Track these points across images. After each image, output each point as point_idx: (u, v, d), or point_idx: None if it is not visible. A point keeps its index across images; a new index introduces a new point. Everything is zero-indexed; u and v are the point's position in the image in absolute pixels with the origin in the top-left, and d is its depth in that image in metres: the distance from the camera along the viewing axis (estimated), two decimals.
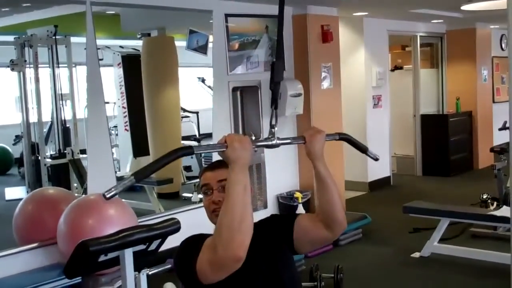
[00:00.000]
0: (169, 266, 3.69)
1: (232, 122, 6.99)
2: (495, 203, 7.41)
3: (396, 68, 11.52)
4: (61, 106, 7.35)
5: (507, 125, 8.21)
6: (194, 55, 7.62)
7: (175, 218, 3.51)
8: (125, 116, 8.67)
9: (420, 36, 11.08)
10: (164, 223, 3.42)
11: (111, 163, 6.04)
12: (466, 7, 8.81)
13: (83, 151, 6.79)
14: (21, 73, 7.37)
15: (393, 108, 10.53)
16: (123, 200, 5.48)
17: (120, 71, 8.63)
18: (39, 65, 7.19)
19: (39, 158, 7.30)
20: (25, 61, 7.26)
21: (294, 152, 7.69)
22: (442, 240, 6.36)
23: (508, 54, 2.79)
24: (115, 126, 8.89)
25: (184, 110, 9.66)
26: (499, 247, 6.00)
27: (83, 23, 5.78)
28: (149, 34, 8.59)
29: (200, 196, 7.63)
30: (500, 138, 10.68)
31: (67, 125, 7.41)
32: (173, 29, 8.63)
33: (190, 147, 2.11)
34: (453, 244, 6.43)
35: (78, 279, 4.76)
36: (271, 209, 7.27)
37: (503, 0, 3.02)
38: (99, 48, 6.02)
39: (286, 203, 7.26)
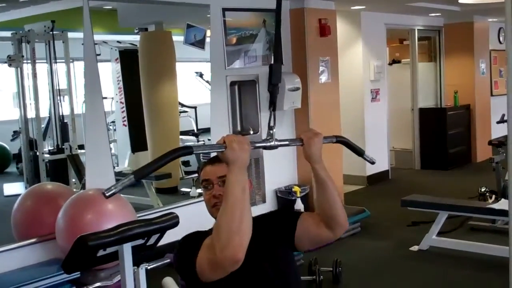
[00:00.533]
0: (168, 260, 3.70)
1: (230, 117, 6.98)
2: (493, 196, 7.41)
3: (394, 61, 11.51)
4: (59, 101, 7.35)
5: (505, 118, 8.21)
6: (192, 50, 7.60)
7: (173, 213, 3.51)
8: (123, 111, 8.66)
9: (418, 29, 11.07)
10: (162, 218, 3.42)
11: (109, 158, 6.04)
12: (463, 0, 8.80)
13: (81, 147, 6.79)
14: (19, 68, 7.36)
15: (391, 101, 10.53)
16: (122, 195, 5.48)
17: (118, 66, 8.63)
18: (37, 61, 7.19)
19: (37, 153, 7.30)
20: (23, 56, 7.25)
21: (292, 147, 7.69)
22: (440, 233, 6.36)
23: (506, 47, 2.78)
24: (113, 122, 8.88)
25: (182, 105, 9.66)
26: (498, 240, 6.00)
27: (80, 18, 5.78)
28: (146, 29, 8.58)
29: (199, 190, 7.68)
30: (498, 131, 10.69)
31: (65, 121, 7.41)
32: (170, 24, 8.63)
33: (190, 147, 2.11)
34: (452, 238, 6.44)
35: (76, 274, 4.77)
36: (270, 204, 7.28)
37: None
38: (96, 43, 6.01)
39: (285, 198, 7.26)
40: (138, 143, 8.56)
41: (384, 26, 10.11)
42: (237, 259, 2.06)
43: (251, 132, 7.11)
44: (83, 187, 6.02)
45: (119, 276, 3.36)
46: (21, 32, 7.25)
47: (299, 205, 6.77)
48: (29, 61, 7.17)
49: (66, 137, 7.35)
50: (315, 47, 7.70)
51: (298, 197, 6.89)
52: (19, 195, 5.63)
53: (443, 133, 10.98)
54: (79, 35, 5.95)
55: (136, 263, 3.30)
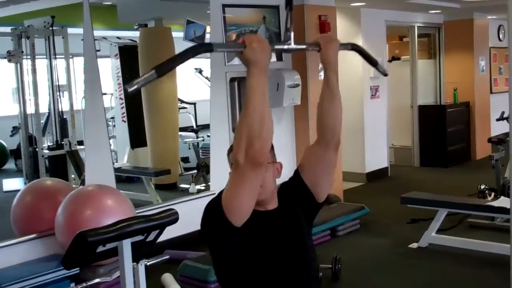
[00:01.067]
0: (167, 257, 3.70)
1: (230, 113, 6.97)
2: (492, 194, 7.40)
3: (393, 58, 11.50)
4: (58, 97, 7.36)
5: (505, 115, 8.22)
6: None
7: (173, 209, 3.51)
8: (122, 107, 8.67)
9: (417, 26, 11.06)
10: (162, 214, 3.42)
11: (108, 154, 6.03)
12: None
13: (80, 142, 6.79)
14: (18, 64, 7.37)
15: (390, 99, 10.53)
16: (121, 191, 5.49)
17: (117, 62, 8.63)
18: (36, 56, 7.20)
19: (37, 149, 7.30)
20: (22, 52, 7.26)
21: (292, 141, 7.70)
22: (439, 230, 6.36)
23: (508, 44, 2.78)
24: (113, 117, 8.89)
25: (182, 101, 9.66)
26: (497, 238, 6.00)
27: (80, 14, 5.77)
28: (146, 25, 8.58)
29: (198, 187, 7.69)
30: (497, 128, 10.68)
31: (65, 117, 7.42)
32: (170, 20, 8.63)
33: (210, 44, 2.06)
34: (451, 235, 6.43)
35: (76, 270, 4.77)
36: None
37: None
38: (96, 39, 6.01)
39: None
40: (137, 139, 8.57)
41: (384, 23, 10.11)
42: (259, 161, 2.05)
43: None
44: (83, 183, 6.02)
45: (118, 272, 3.37)
46: (20, 27, 7.25)
47: None
48: (29, 56, 7.18)
49: (65, 133, 7.36)
50: None
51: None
52: (18, 190, 5.63)
53: (442, 131, 10.97)
54: (79, 30, 5.95)
55: (136, 259, 3.30)
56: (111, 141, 7.33)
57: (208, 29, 7.11)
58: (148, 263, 3.39)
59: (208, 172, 7.45)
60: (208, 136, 7.44)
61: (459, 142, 11.34)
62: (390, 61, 11.18)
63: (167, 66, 1.98)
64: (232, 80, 6.99)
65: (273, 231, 2.37)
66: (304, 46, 2.47)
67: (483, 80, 12.00)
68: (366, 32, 9.66)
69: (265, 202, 2.40)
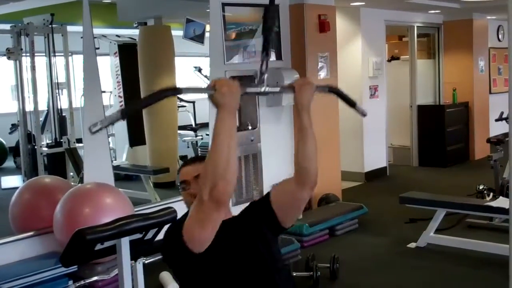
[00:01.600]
0: None
1: None
2: (491, 194, 7.41)
3: (393, 58, 11.50)
4: (57, 95, 7.36)
5: (504, 116, 8.22)
6: (191, 45, 7.61)
7: (171, 207, 3.52)
8: (121, 106, 8.66)
9: (417, 26, 11.06)
10: (160, 212, 3.43)
11: (107, 152, 6.02)
12: None
13: (79, 140, 6.79)
14: (17, 61, 7.36)
15: (389, 98, 10.52)
16: (120, 189, 5.48)
17: (117, 60, 8.63)
18: (35, 54, 7.19)
19: (35, 147, 7.30)
20: (21, 49, 7.25)
21: (290, 141, 7.69)
22: (438, 230, 6.36)
23: (508, 44, 2.78)
24: None
25: (181, 100, 9.65)
26: (495, 238, 6.01)
27: (80, 11, 5.76)
28: (145, 23, 8.58)
29: None
30: (496, 129, 10.67)
31: (63, 114, 7.41)
32: (169, 18, 8.62)
33: (178, 88, 2.10)
34: (449, 235, 6.44)
35: (74, 268, 4.77)
36: None
37: None
38: (95, 37, 6.00)
39: None
40: (136, 137, 8.57)
41: (383, 22, 10.10)
42: (223, 201, 2.09)
43: (249, 128, 7.10)
44: (81, 180, 6.02)
45: (116, 270, 3.37)
46: (20, 25, 7.25)
47: None
48: (28, 54, 7.17)
49: (64, 130, 7.36)
50: (314, 43, 7.69)
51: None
52: (17, 188, 5.62)
53: (441, 131, 10.97)
54: (78, 28, 5.95)
55: (134, 257, 3.31)
56: (110, 139, 7.33)
57: (207, 27, 7.10)
58: (146, 261, 3.40)
59: None
60: (207, 134, 7.45)
61: (458, 142, 11.34)
62: (389, 60, 11.17)
63: (132, 108, 2.06)
64: (231, 78, 6.98)
65: (231, 237, 2.39)
66: (278, 89, 2.47)
67: (482, 81, 12.01)
68: (365, 31, 9.66)
69: None
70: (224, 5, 6.85)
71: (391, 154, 10.98)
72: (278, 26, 7.43)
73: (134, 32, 8.66)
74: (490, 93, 12.48)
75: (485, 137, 9.52)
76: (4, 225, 5.44)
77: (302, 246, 6.07)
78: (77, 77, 7.30)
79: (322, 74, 7.85)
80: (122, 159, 8.71)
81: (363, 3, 9.25)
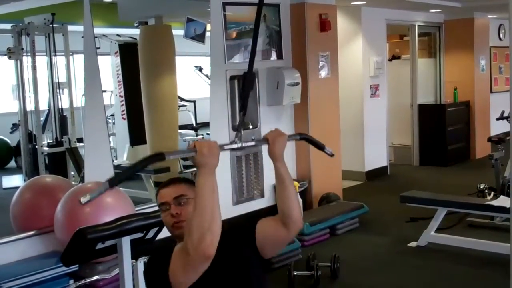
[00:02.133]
0: None
1: (229, 111, 6.97)
2: (492, 193, 7.40)
3: (393, 57, 11.49)
4: (58, 94, 7.36)
5: (505, 114, 8.22)
6: (191, 44, 7.60)
7: None
8: (122, 105, 8.66)
9: (418, 25, 11.05)
10: None
11: (108, 152, 6.03)
12: None
13: (80, 140, 6.79)
14: (18, 61, 7.37)
15: (390, 97, 10.52)
16: (120, 188, 5.48)
17: (117, 59, 8.62)
18: (36, 53, 7.19)
19: (36, 146, 7.30)
20: (22, 49, 7.26)
21: (291, 142, 7.69)
22: (439, 229, 6.36)
23: (509, 43, 2.78)
24: (112, 115, 8.89)
25: (181, 99, 9.66)
26: (496, 237, 6.01)
27: (81, 11, 5.76)
28: (146, 23, 8.57)
29: None
30: (497, 128, 10.68)
31: (64, 114, 7.41)
32: (170, 18, 8.62)
33: (161, 154, 2.20)
34: (450, 234, 6.44)
35: (75, 267, 4.77)
36: (268, 198, 7.27)
37: None
38: (96, 37, 6.00)
39: None
40: (137, 136, 8.56)
41: (384, 21, 10.10)
42: (209, 255, 2.16)
43: (250, 127, 7.10)
44: (82, 180, 6.02)
45: (117, 269, 3.37)
46: (21, 24, 7.25)
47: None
48: (29, 53, 7.18)
49: (65, 130, 7.36)
50: (315, 42, 7.69)
51: (297, 192, 6.89)
52: (18, 187, 5.62)
53: (442, 130, 10.97)
54: (79, 28, 5.95)
55: (135, 256, 3.31)
56: (110, 138, 7.33)
57: (208, 27, 7.10)
58: (147, 261, 3.40)
59: None
60: (208, 134, 7.43)
61: (459, 141, 11.33)
62: (390, 60, 11.17)
63: (120, 177, 2.15)
64: (232, 78, 6.99)
65: (217, 262, 2.36)
66: (253, 143, 2.56)
67: (483, 80, 12.00)
68: (366, 30, 9.66)
69: None
70: (225, 4, 6.85)
71: (391, 153, 10.98)
72: (279, 25, 7.43)
73: (135, 32, 8.66)
74: (491, 92, 12.48)
75: (486, 136, 9.53)
76: (5, 225, 5.44)
77: (303, 245, 6.08)
78: (78, 77, 7.30)
79: (323, 73, 7.85)
80: (123, 158, 8.71)
81: (364, 2, 9.24)
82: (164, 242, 2.54)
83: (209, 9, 6.79)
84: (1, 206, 6.33)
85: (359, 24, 9.63)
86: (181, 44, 8.02)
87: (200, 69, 9.98)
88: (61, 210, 4.91)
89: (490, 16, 12.10)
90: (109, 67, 8.68)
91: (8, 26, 7.41)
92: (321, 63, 7.80)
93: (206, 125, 7.85)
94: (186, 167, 8.86)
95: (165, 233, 3.46)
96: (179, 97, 9.15)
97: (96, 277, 4.61)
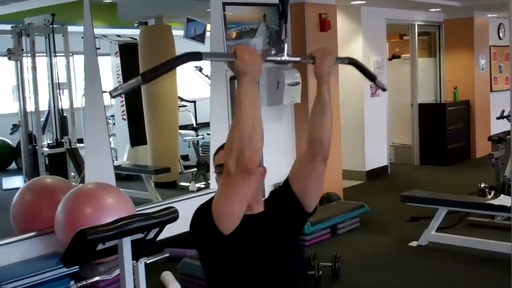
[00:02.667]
0: (167, 255, 3.70)
1: (230, 111, 6.97)
2: (492, 192, 7.41)
3: (393, 57, 11.49)
4: (58, 95, 7.35)
5: (505, 114, 8.22)
6: (192, 44, 7.59)
7: (173, 207, 3.51)
8: (122, 106, 8.67)
9: (418, 25, 11.06)
10: (162, 212, 3.43)
11: (108, 152, 6.02)
12: None
13: (80, 140, 6.78)
14: (18, 62, 7.36)
15: (390, 97, 10.52)
16: (121, 189, 5.48)
17: (118, 60, 8.63)
18: (36, 54, 7.18)
19: (37, 147, 7.30)
20: (22, 50, 7.25)
21: (291, 140, 7.69)
22: (439, 229, 6.36)
23: (509, 42, 2.79)
24: (113, 116, 8.89)
25: (182, 99, 9.65)
26: (497, 236, 6.01)
27: (80, 11, 5.76)
28: (146, 23, 8.58)
29: (198, 185, 7.68)
30: (497, 127, 10.68)
31: (65, 114, 7.40)
32: (170, 18, 8.62)
33: (199, 53, 2.06)
34: (451, 233, 6.44)
35: (76, 268, 4.77)
36: None
37: None
38: (96, 37, 6.00)
39: None
40: (137, 137, 8.57)
41: (384, 21, 10.10)
42: (250, 168, 2.06)
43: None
44: (82, 181, 6.02)
45: (118, 270, 3.37)
46: (21, 25, 7.24)
47: None
48: (29, 54, 7.17)
49: (65, 131, 7.35)
50: (315, 42, 7.68)
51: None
52: (18, 188, 5.62)
53: (442, 129, 10.97)
54: (79, 28, 5.94)
55: (136, 257, 3.30)
56: (111, 139, 7.33)
57: (208, 27, 7.10)
58: (148, 261, 3.40)
59: (208, 170, 7.46)
60: (208, 134, 7.44)
61: (459, 140, 11.34)
62: (390, 59, 11.17)
63: (154, 73, 1.99)
64: (232, 78, 6.98)
65: (259, 234, 2.37)
66: (298, 59, 2.46)
67: (483, 79, 12.00)
68: (366, 30, 9.66)
69: (250, 206, 2.38)
70: (224, 4, 6.85)
71: (392, 153, 10.98)
72: (279, 25, 7.42)
73: (135, 32, 8.66)
74: (491, 91, 12.48)
75: (486, 135, 9.52)
76: (5, 226, 5.43)
77: (304, 245, 6.07)
78: (78, 77, 7.29)
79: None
80: (123, 159, 8.70)
81: (364, 2, 9.25)
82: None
83: (209, 9, 6.79)
84: (1, 207, 6.32)
85: (359, 24, 9.63)
86: (181, 44, 8.02)
87: (200, 69, 9.97)
88: (62, 211, 4.90)
89: (489, 15, 12.10)
90: (109, 68, 8.68)
91: (8, 27, 7.41)
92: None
93: (206, 125, 7.86)
94: (186, 167, 8.87)
95: (165, 233, 3.46)
96: (179, 98, 9.16)
97: (97, 278, 4.60)
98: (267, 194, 2.57)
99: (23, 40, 7.22)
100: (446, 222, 6.61)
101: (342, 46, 8.76)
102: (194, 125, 10.17)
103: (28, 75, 7.27)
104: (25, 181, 7.47)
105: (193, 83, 10.54)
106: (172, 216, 3.43)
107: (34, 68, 7.17)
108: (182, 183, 8.19)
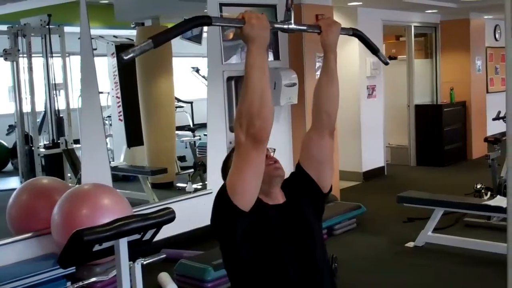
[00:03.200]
0: (164, 256, 3.70)
1: (227, 112, 6.97)
2: (489, 193, 7.41)
3: (390, 58, 11.47)
4: (54, 96, 7.34)
5: (501, 115, 8.22)
6: (188, 45, 7.60)
7: (169, 208, 3.51)
8: (119, 106, 8.65)
9: (414, 26, 11.07)
10: (158, 213, 3.43)
11: (105, 153, 6.03)
12: None
13: (76, 141, 6.78)
14: (14, 62, 7.34)
15: (387, 98, 10.53)
16: (118, 190, 5.48)
17: (114, 61, 8.61)
18: (33, 55, 7.17)
19: (33, 148, 7.29)
20: (19, 50, 7.23)
21: (289, 140, 7.70)
22: (436, 230, 6.37)
23: (505, 44, 2.78)
24: (109, 116, 8.87)
25: (178, 100, 9.65)
26: (493, 237, 6.01)
27: (77, 12, 5.76)
28: (143, 24, 8.57)
29: (195, 186, 7.67)
30: (494, 128, 10.69)
31: (61, 115, 7.39)
32: (167, 19, 8.61)
33: (209, 17, 2.03)
34: (447, 234, 6.44)
35: (72, 269, 4.77)
36: None
37: None
38: (92, 38, 5.99)
39: None
40: (134, 138, 8.56)
41: (380, 22, 10.11)
42: (260, 138, 2.02)
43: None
44: (79, 181, 6.01)
45: (115, 271, 3.36)
46: (17, 26, 7.23)
47: None
48: (25, 55, 7.15)
49: (61, 131, 7.34)
50: (312, 43, 7.68)
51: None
52: (14, 189, 5.61)
53: (439, 130, 10.99)
54: (76, 29, 5.94)
55: (132, 258, 3.30)
56: (107, 139, 7.32)
57: (205, 28, 7.10)
58: (144, 262, 3.39)
59: (204, 171, 7.46)
60: (205, 135, 7.44)
61: (455, 141, 11.35)
62: None
63: (164, 36, 1.95)
64: (229, 79, 6.99)
65: (284, 224, 2.34)
66: (304, 27, 2.44)
67: (479, 80, 12.02)
68: (363, 31, 9.47)
69: (271, 194, 2.38)
70: (221, 5, 6.85)
71: (388, 154, 10.99)
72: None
73: (132, 33, 8.66)
74: (487, 92, 12.48)
75: (482, 136, 9.53)
76: (1, 227, 5.42)
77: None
78: (75, 78, 7.29)
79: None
80: (120, 159, 8.69)
81: (360, 3, 9.25)
82: None
83: (206, 10, 6.80)
84: None
85: (355, 25, 9.60)
86: (178, 45, 8.02)
87: (197, 70, 9.96)
88: (58, 212, 4.90)
89: (486, 17, 12.12)
90: (105, 68, 8.66)
91: (4, 28, 7.40)
92: (318, 64, 7.80)
93: (203, 126, 7.86)
94: (183, 168, 8.86)
95: (162, 234, 3.45)
96: (176, 98, 9.15)
97: (93, 279, 4.60)
98: None
99: (19, 41, 7.21)
100: (443, 223, 6.62)
101: (338, 47, 8.68)
102: (191, 126, 10.17)
103: (24, 76, 7.26)
104: (21, 182, 7.45)
105: (190, 84, 10.53)
106: (168, 217, 3.44)
107: (30, 69, 7.16)
108: (179, 184, 8.19)
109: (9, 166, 9.76)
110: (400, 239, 6.53)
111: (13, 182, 8.19)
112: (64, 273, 4.83)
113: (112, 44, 8.60)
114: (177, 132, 9.00)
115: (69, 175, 7.20)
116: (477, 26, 11.82)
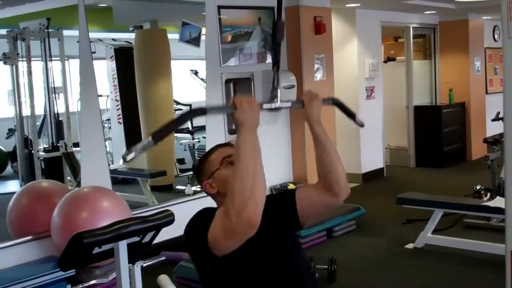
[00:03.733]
0: (163, 258, 3.70)
1: (225, 115, 6.97)
2: (488, 194, 7.42)
3: (389, 59, 11.51)
4: (54, 99, 7.35)
5: (500, 116, 8.23)
6: (187, 48, 7.60)
7: (169, 210, 3.52)
8: (118, 109, 8.66)
9: (413, 27, 11.08)
10: (158, 215, 3.43)
11: (104, 156, 6.03)
12: None
13: (76, 144, 6.78)
14: (14, 66, 7.35)
15: (386, 99, 10.54)
16: (117, 193, 5.49)
17: (113, 64, 8.62)
18: (32, 58, 7.18)
19: (32, 151, 7.29)
20: (18, 54, 7.24)
21: (287, 144, 7.69)
22: (435, 231, 6.37)
23: (502, 44, 2.79)
24: (108, 119, 8.87)
25: (177, 103, 9.65)
26: (493, 238, 6.01)
27: (76, 16, 5.77)
28: (141, 27, 8.58)
29: (194, 188, 7.68)
30: (493, 129, 10.71)
31: (60, 119, 7.40)
32: (165, 22, 8.62)
33: (204, 108, 2.14)
34: (447, 235, 6.44)
35: (72, 272, 4.77)
36: None
37: None
38: (91, 41, 6.00)
39: None
40: (133, 140, 8.54)
41: (379, 23, 10.12)
42: (253, 223, 2.01)
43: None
44: (78, 184, 6.02)
45: (114, 273, 3.37)
46: (16, 29, 7.24)
47: None
48: (24, 58, 7.16)
49: (61, 135, 7.35)
50: (310, 45, 7.70)
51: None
52: (14, 193, 5.62)
53: (438, 131, 10.99)
54: (75, 32, 5.95)
55: (132, 260, 3.30)
56: (106, 143, 7.32)
57: (203, 30, 7.11)
58: (144, 265, 3.40)
59: None
60: (204, 137, 7.44)
61: (454, 142, 11.36)
62: (385, 61, 11.20)
63: (163, 132, 2.03)
64: (228, 81, 7.00)
65: (260, 237, 2.35)
66: (289, 104, 2.52)
67: (478, 81, 12.03)
68: (361, 32, 9.68)
69: None
70: (220, 8, 6.86)
71: (388, 155, 11.00)
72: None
73: (130, 36, 8.66)
74: (487, 93, 12.49)
75: (481, 137, 9.53)
76: (1, 230, 5.43)
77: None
78: (74, 81, 7.29)
79: (318, 75, 7.86)
80: (119, 162, 8.67)
81: (359, 4, 9.26)
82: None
83: (204, 13, 6.81)
84: None
85: (354, 26, 9.65)
86: (176, 48, 8.03)
87: (196, 73, 9.97)
88: (58, 215, 4.91)
89: (484, 17, 12.13)
90: (104, 72, 8.67)
91: (3, 32, 7.41)
92: (316, 66, 7.81)
93: (202, 128, 7.86)
94: (182, 170, 8.86)
95: (161, 236, 3.46)
96: (175, 101, 9.16)
97: (93, 282, 4.60)
98: None
99: (19, 45, 7.22)
100: (442, 224, 6.62)
101: (337, 49, 8.78)
102: (190, 128, 10.17)
103: (23, 80, 7.26)
104: (21, 185, 7.46)
105: (188, 87, 10.53)
106: (168, 219, 3.44)
107: (29, 73, 7.16)
108: (178, 187, 8.19)
109: (9, 170, 9.76)
110: (399, 240, 6.53)
111: (13, 186, 8.20)
112: (64, 276, 4.84)
113: (111, 47, 8.61)
114: (176, 134, 9.01)
115: (68, 178, 7.20)
116: (476, 27, 11.83)
